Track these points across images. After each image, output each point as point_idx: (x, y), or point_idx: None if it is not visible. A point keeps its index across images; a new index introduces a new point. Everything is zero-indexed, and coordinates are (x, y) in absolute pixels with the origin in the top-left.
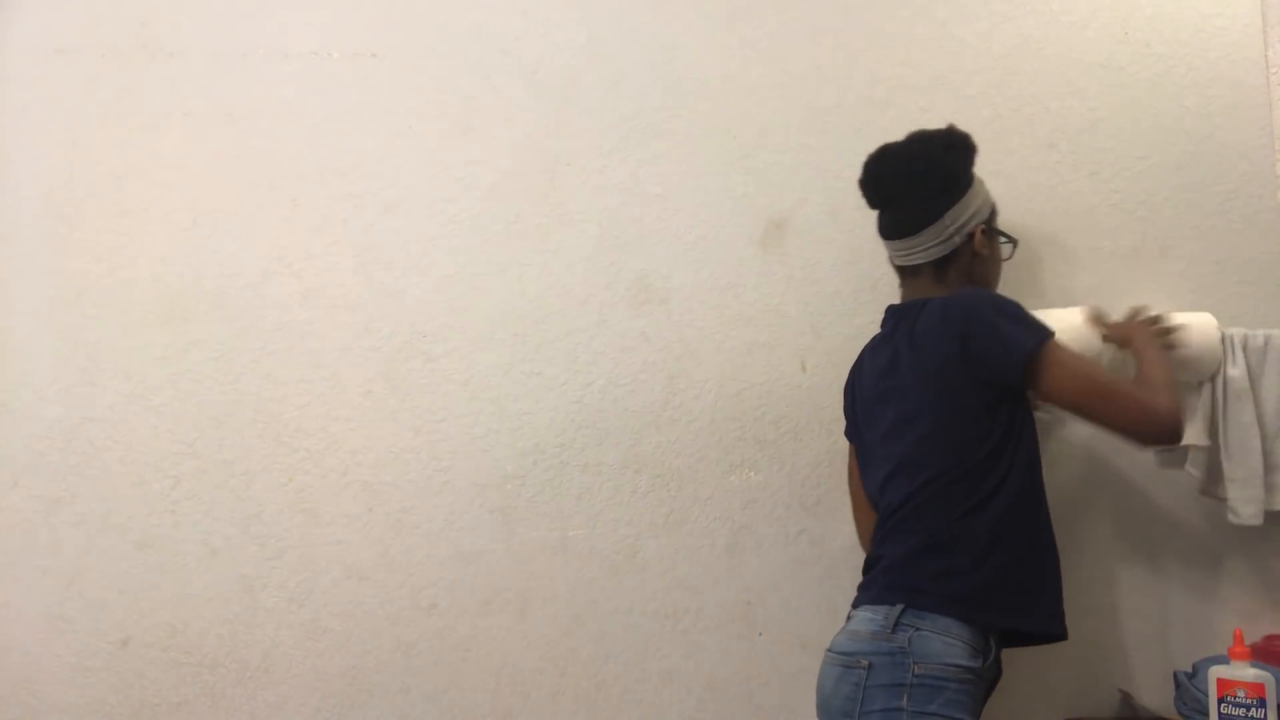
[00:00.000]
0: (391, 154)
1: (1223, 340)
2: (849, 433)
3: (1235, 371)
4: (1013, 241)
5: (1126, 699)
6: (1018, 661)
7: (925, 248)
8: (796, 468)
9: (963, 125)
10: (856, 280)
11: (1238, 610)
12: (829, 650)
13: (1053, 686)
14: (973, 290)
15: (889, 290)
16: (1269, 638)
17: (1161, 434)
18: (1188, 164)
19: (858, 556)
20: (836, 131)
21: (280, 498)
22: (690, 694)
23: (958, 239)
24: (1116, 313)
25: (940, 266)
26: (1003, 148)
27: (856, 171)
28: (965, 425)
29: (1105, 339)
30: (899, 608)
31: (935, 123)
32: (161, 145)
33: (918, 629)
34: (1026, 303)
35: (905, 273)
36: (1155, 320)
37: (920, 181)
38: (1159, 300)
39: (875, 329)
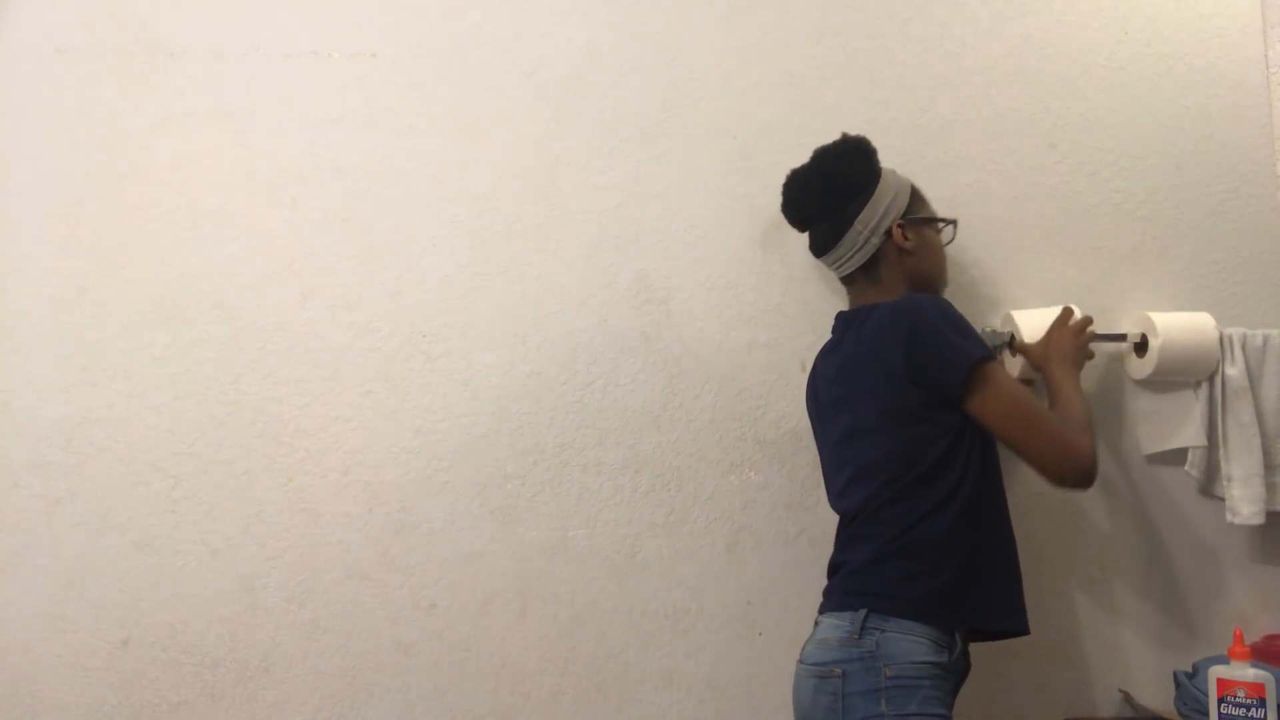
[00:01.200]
0: (391, 154)
1: (1221, 340)
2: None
3: (1234, 371)
4: (950, 222)
5: (1126, 699)
6: (1018, 661)
7: (848, 257)
8: (796, 468)
9: (963, 125)
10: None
11: (1238, 610)
12: (800, 662)
13: (1053, 686)
14: (919, 298)
15: None
16: (1269, 638)
17: (1076, 479)
18: (1188, 164)
19: None
20: (836, 131)
21: (280, 498)
22: (690, 694)
23: (875, 239)
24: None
25: (870, 270)
26: (1003, 148)
27: None
28: (915, 430)
29: (1023, 357)
30: (863, 613)
31: (935, 123)
32: (161, 145)
33: (883, 631)
34: (1026, 302)
35: (845, 282)
36: (1080, 326)
37: (821, 196)
38: (1159, 300)
39: None
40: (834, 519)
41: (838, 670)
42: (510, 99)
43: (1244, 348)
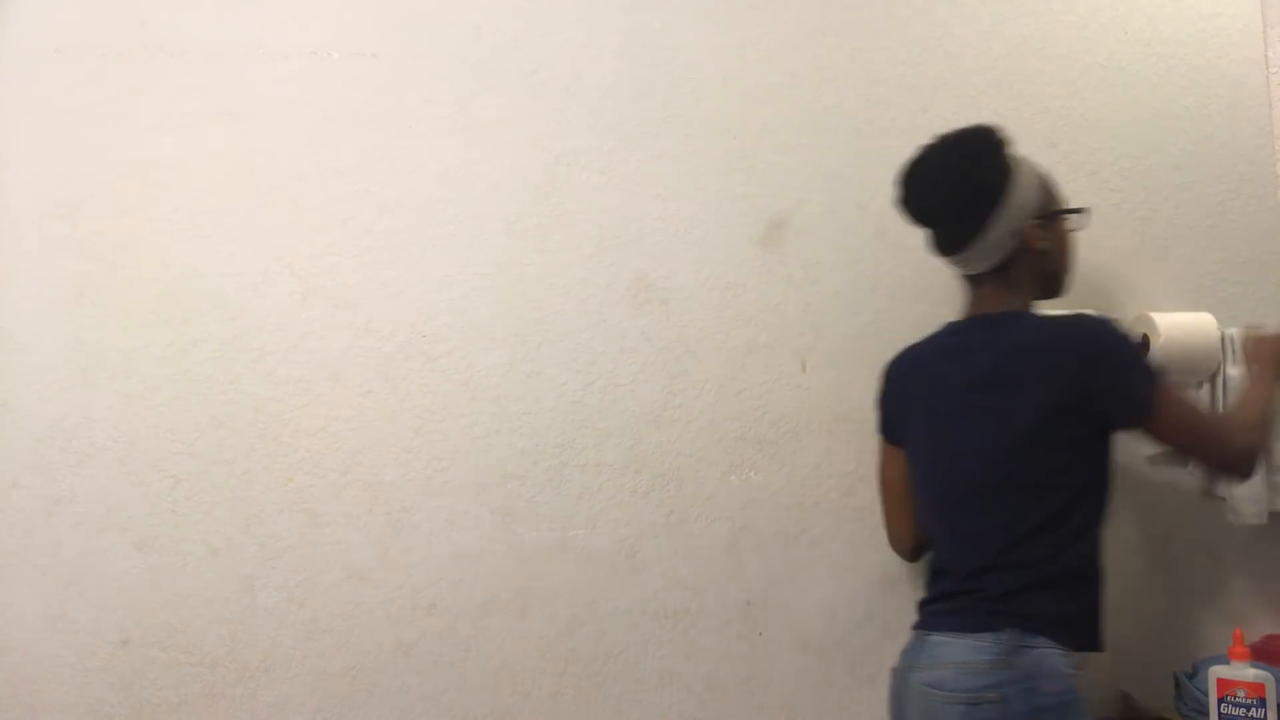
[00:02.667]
0: (391, 154)
1: (1222, 340)
2: (890, 434)
3: (1235, 371)
4: (1080, 211)
5: (1126, 699)
6: None
7: (980, 258)
8: (796, 468)
9: (963, 125)
10: (856, 280)
11: (1238, 610)
12: (931, 687)
13: None
14: (1095, 322)
15: (889, 290)
16: (1269, 638)
17: (1237, 474)
18: (1187, 164)
19: (857, 556)
20: (836, 131)
21: (280, 498)
22: (690, 694)
23: (1011, 242)
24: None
25: (1002, 272)
26: None
27: (857, 171)
28: (1067, 456)
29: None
30: (1011, 633)
31: (935, 123)
32: (161, 145)
33: (1034, 649)
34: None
35: (969, 281)
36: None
37: (952, 200)
38: (1159, 301)
39: (875, 329)
40: (834, 519)
41: (993, 695)
42: (510, 99)
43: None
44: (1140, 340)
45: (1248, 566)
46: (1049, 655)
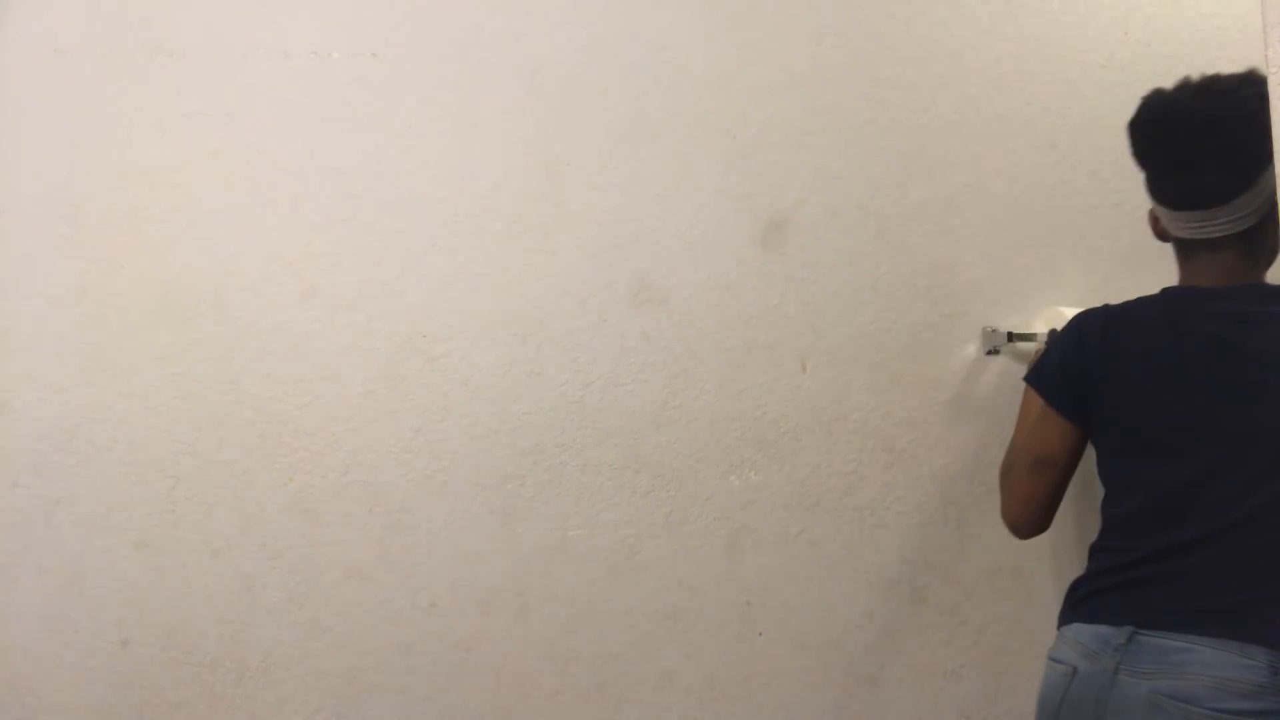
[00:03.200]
0: (391, 154)
1: None
2: (1075, 408)
3: None
4: None
5: None
6: (1019, 661)
7: (1241, 215)
8: (796, 468)
9: (962, 125)
10: (856, 280)
11: None
12: (1179, 700)
13: None
14: None
15: (889, 290)
16: None
17: None
18: None
19: (857, 556)
20: (836, 131)
21: (280, 498)
22: (690, 694)
23: (1265, 208)
24: None
25: (1249, 239)
26: (1003, 148)
27: (857, 171)
28: None
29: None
30: (1277, 652)
31: (935, 123)
32: (161, 145)
33: None
34: (1026, 303)
35: (1197, 248)
36: None
37: (1250, 133)
38: None
39: (875, 329)
40: (834, 519)
41: None
42: (510, 99)
43: None
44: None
45: None
46: None
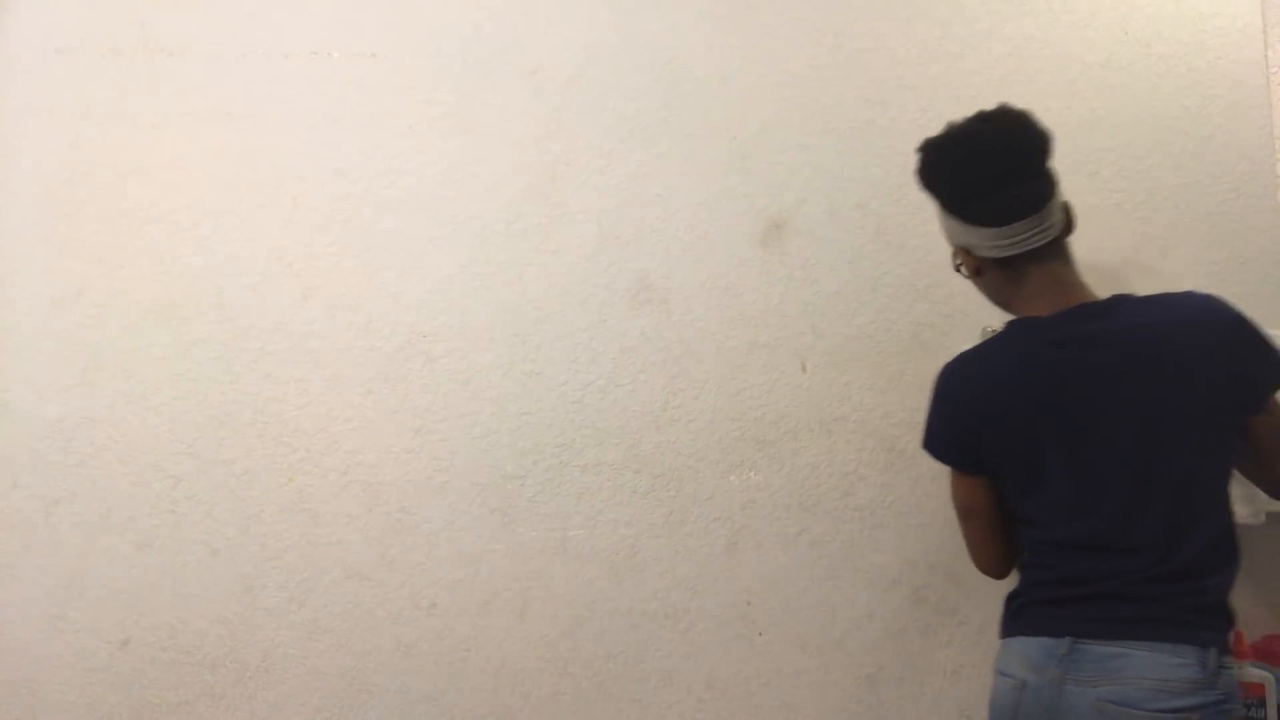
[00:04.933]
0: (391, 154)
1: None
2: (968, 462)
3: None
4: None
5: None
6: None
7: (1053, 221)
8: (796, 468)
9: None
10: (856, 280)
11: (1238, 610)
12: (1121, 705)
13: None
14: (1211, 297)
15: (889, 290)
16: (1269, 638)
17: None
18: (1188, 164)
19: (857, 556)
20: (836, 131)
21: (280, 498)
22: (690, 694)
23: (1063, 216)
24: None
25: (1062, 246)
26: None
27: (857, 171)
28: (1227, 448)
29: None
30: (1214, 650)
31: (935, 123)
32: (161, 145)
33: (1227, 668)
34: None
35: (1024, 262)
36: None
37: (1041, 145)
38: None
39: (876, 328)
40: (834, 519)
41: (1196, 717)
42: (510, 99)
43: None
44: None
45: (1247, 566)
46: (1232, 677)
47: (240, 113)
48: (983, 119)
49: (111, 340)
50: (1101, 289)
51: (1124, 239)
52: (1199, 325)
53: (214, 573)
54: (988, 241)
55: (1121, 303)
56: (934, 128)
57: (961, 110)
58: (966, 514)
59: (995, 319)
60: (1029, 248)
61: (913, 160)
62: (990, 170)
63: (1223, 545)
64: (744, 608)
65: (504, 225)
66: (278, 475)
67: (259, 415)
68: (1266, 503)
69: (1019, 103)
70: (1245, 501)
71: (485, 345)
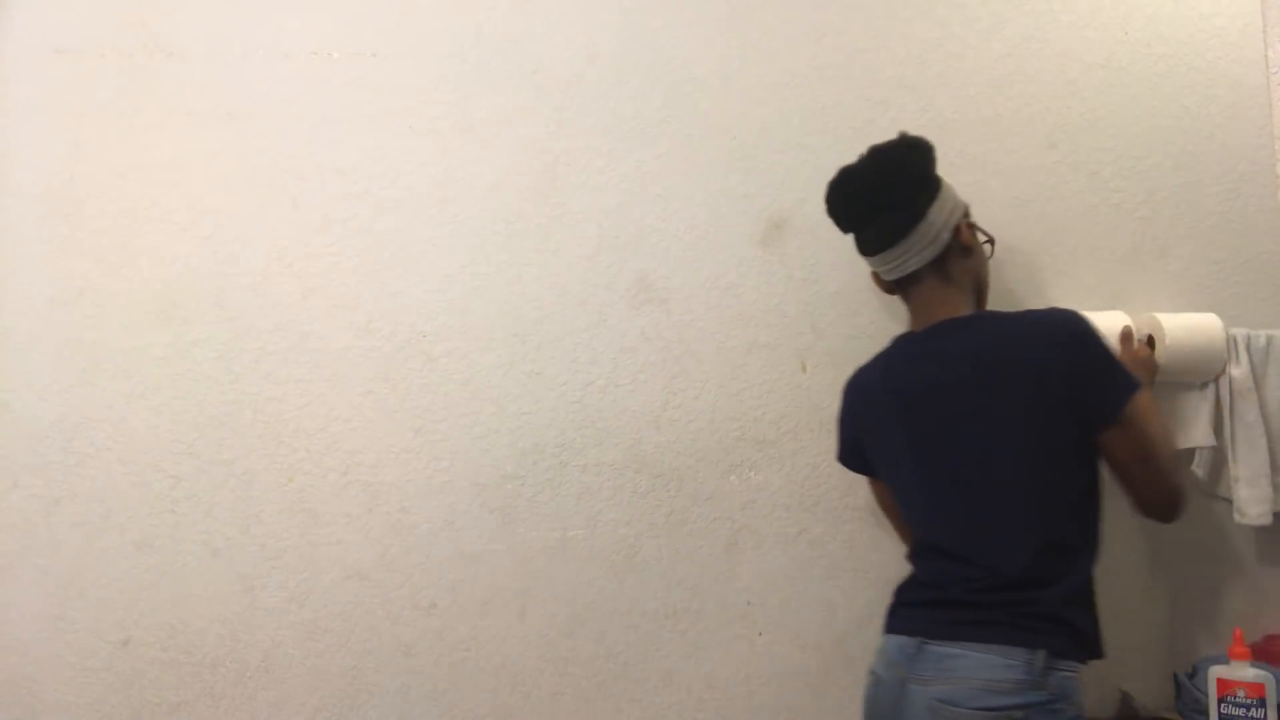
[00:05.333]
0: (391, 154)
1: (1227, 340)
2: (853, 460)
3: (1238, 371)
4: (990, 240)
5: (1126, 699)
6: None
7: (918, 251)
8: (796, 468)
9: (963, 125)
10: (856, 280)
11: (1238, 610)
12: (945, 703)
13: None
14: (1072, 314)
15: None
16: (1269, 638)
17: (1167, 515)
18: (1188, 164)
19: (857, 556)
20: (836, 131)
21: (280, 498)
22: (690, 694)
23: (945, 235)
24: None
25: (938, 266)
26: (1003, 148)
27: None
28: (1067, 462)
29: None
30: (1043, 653)
31: (935, 123)
32: (161, 145)
33: (1059, 670)
34: (1026, 303)
35: (905, 284)
36: (1145, 349)
37: (896, 187)
38: (1160, 301)
39: (876, 328)
40: (834, 519)
41: (1019, 715)
42: (510, 99)
43: (1248, 348)
44: (1145, 341)
45: (1248, 566)
46: (1071, 680)
47: (240, 113)
48: (867, 155)
49: (111, 340)
50: (1101, 289)
51: (1124, 239)
52: (1041, 341)
53: (214, 573)
54: (872, 267)
55: (980, 319)
56: (934, 128)
57: (962, 110)
58: (883, 510)
59: None
60: (900, 275)
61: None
62: (848, 210)
63: (1056, 559)
64: (744, 608)
65: (504, 225)
66: (278, 475)
67: (259, 415)
68: (1274, 502)
69: (1019, 103)
70: (1255, 502)
71: (485, 345)
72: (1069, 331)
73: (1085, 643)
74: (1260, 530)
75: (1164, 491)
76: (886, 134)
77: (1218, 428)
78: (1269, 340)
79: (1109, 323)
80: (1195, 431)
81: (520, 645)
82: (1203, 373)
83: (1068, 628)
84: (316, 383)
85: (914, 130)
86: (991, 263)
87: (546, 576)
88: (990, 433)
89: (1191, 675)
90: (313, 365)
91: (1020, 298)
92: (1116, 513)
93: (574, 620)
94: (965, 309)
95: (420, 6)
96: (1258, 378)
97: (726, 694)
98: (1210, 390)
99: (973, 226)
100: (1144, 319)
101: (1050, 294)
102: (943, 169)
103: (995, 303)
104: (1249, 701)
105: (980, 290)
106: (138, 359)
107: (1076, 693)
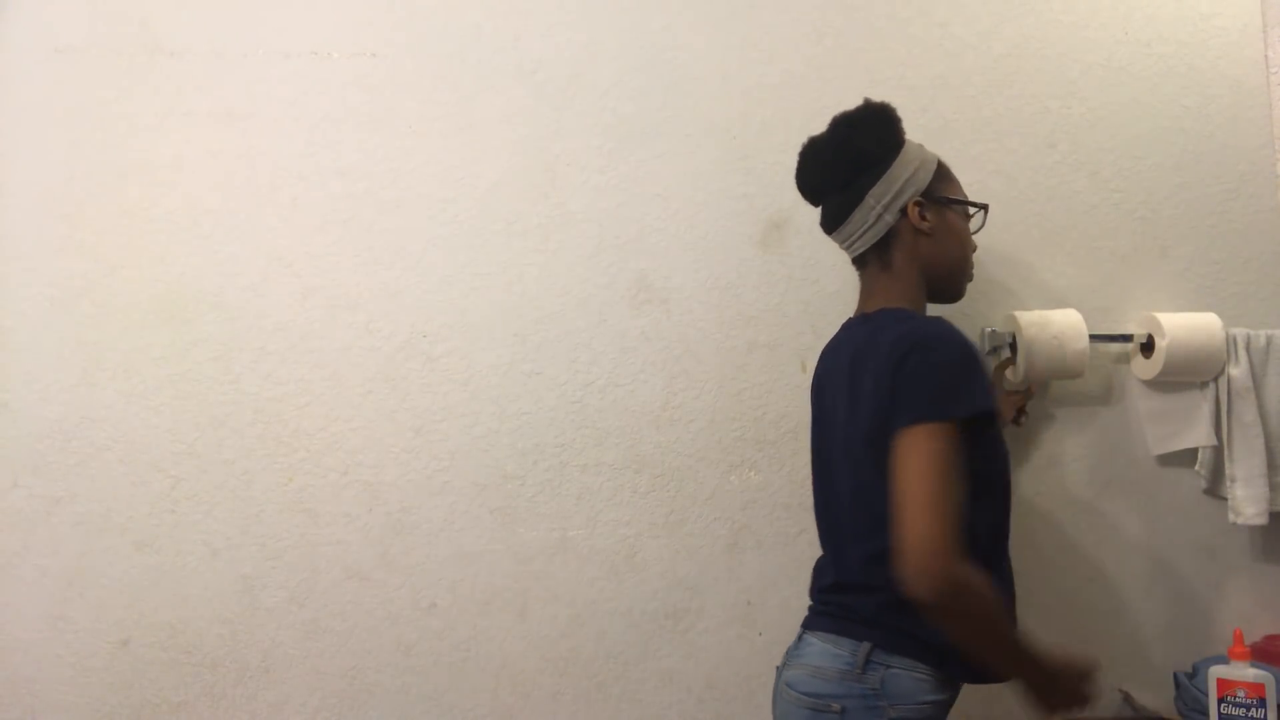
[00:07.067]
0: (391, 154)
1: (1227, 340)
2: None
3: (1238, 371)
4: (981, 207)
5: (1126, 699)
6: None
7: (860, 234)
8: (796, 468)
9: (963, 125)
10: (856, 280)
11: (1238, 610)
12: (788, 685)
13: None
14: (939, 332)
15: None
16: (1269, 638)
17: (906, 580)
18: (1188, 164)
19: None
20: None
21: (280, 498)
22: (690, 694)
23: (889, 217)
24: (1115, 309)
25: (882, 251)
26: (1003, 148)
27: None
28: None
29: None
30: (867, 646)
31: (935, 123)
32: (161, 145)
33: (888, 668)
34: (1026, 303)
35: (858, 267)
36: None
37: (833, 166)
38: (1160, 301)
39: None
40: None
41: (836, 706)
42: (510, 99)
43: (1248, 348)
44: (1146, 342)
45: (1248, 566)
46: (902, 676)
47: (240, 113)
48: (829, 127)
49: (111, 340)
50: (1101, 289)
51: (1124, 239)
52: (882, 352)
53: (214, 573)
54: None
55: (875, 317)
56: (934, 127)
57: (962, 110)
58: None
59: (995, 319)
60: (854, 257)
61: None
62: (804, 185)
63: (885, 566)
64: (744, 608)
65: (504, 225)
66: (278, 475)
67: (259, 415)
68: (1270, 503)
69: (1019, 103)
70: (1252, 502)
71: (485, 345)
72: (907, 344)
73: (931, 649)
74: (1260, 530)
75: (901, 546)
76: None
77: (1216, 428)
78: (1269, 340)
79: (1205, 324)
80: (1196, 431)
81: (520, 645)
82: (1203, 372)
83: (896, 629)
84: (316, 383)
85: (914, 130)
86: (994, 263)
87: (546, 576)
88: (841, 437)
89: (1191, 675)
90: (313, 365)
91: (1020, 298)
92: (1116, 513)
93: (574, 620)
94: (899, 300)
95: (420, 6)
96: (1257, 378)
97: (726, 694)
98: (1210, 390)
99: (932, 203)
100: (1144, 319)
101: (1050, 294)
102: None
103: (995, 302)
104: (1249, 701)
105: (934, 277)
106: (138, 359)
107: (917, 695)
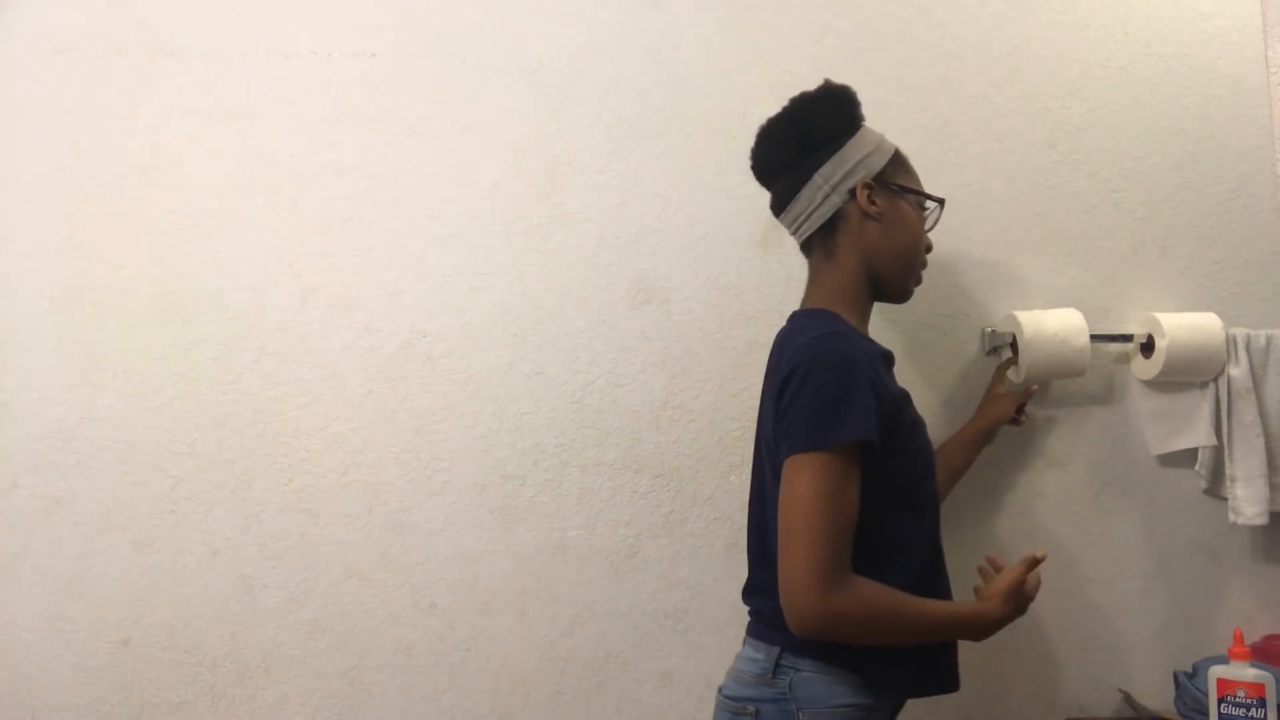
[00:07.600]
0: (391, 154)
1: (1227, 340)
2: None
3: (1237, 371)
4: (938, 201)
5: (1126, 699)
6: (1018, 661)
7: (806, 215)
8: None
9: (963, 125)
10: None
11: (1238, 610)
12: (719, 689)
13: (1053, 686)
14: (818, 349)
15: None
16: (1269, 638)
17: (789, 612)
18: (1188, 164)
19: None
20: None
21: (280, 498)
22: (690, 694)
23: (836, 198)
24: (1115, 309)
25: (827, 236)
26: (1003, 148)
27: None
28: None
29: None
30: (777, 650)
31: (935, 123)
32: (161, 145)
33: (798, 671)
34: (1026, 303)
35: (805, 255)
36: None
37: (784, 144)
38: (1160, 301)
39: (875, 328)
40: None
41: (751, 709)
42: (510, 99)
43: (1247, 348)
44: (1146, 342)
45: (1248, 566)
46: (809, 682)
47: (240, 113)
48: (790, 101)
49: (111, 340)
50: (1101, 289)
51: (1124, 239)
52: (782, 367)
53: (214, 573)
54: None
55: (794, 319)
56: (934, 128)
57: (962, 110)
58: None
59: (995, 319)
60: (799, 240)
61: (914, 160)
62: (757, 164)
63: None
64: (744, 608)
65: (504, 225)
66: (278, 475)
67: (259, 415)
68: (1270, 503)
69: (1019, 103)
70: (1252, 502)
71: (485, 345)
72: (790, 365)
73: (843, 653)
74: (1260, 530)
75: (783, 577)
76: (887, 134)
77: (1217, 428)
78: (1269, 340)
79: (1205, 323)
80: (1196, 431)
81: (520, 645)
82: (1202, 372)
83: (803, 642)
84: (316, 383)
85: (914, 130)
86: (994, 263)
87: (546, 576)
88: (756, 448)
89: (1191, 675)
90: (313, 365)
91: (1020, 298)
92: (1116, 513)
93: (574, 620)
94: (832, 297)
95: (420, 6)
96: (1257, 378)
97: None
98: (1210, 390)
99: (883, 188)
100: (1144, 319)
101: (1050, 294)
102: (943, 168)
103: (995, 302)
104: (1249, 701)
105: (879, 270)
106: (138, 359)
107: (830, 699)
